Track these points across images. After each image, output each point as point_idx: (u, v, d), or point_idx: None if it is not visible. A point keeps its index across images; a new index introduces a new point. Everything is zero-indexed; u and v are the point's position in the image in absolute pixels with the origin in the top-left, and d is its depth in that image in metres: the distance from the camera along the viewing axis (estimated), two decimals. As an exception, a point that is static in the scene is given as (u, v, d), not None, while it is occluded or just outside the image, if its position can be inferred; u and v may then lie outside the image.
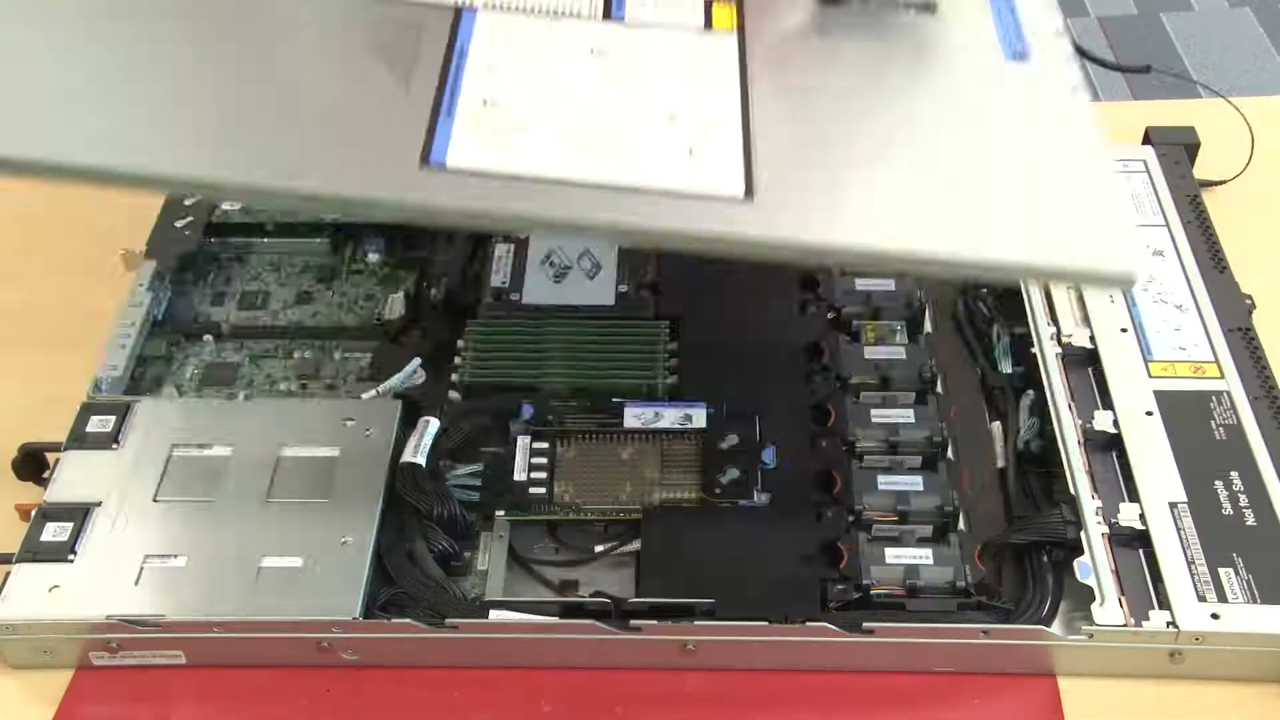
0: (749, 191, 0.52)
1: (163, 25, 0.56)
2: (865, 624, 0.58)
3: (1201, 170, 0.80)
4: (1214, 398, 0.66)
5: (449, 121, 0.54)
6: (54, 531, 0.62)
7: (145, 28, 0.56)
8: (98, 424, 0.67)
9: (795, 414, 0.68)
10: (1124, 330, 0.69)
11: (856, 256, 0.53)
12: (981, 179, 0.54)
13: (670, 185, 0.52)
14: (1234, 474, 0.63)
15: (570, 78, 0.57)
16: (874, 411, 0.67)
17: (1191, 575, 0.59)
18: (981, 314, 0.73)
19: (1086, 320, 0.70)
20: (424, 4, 0.59)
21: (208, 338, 0.75)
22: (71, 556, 0.61)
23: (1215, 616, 0.57)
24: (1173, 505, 0.61)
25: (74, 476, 0.64)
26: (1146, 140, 0.82)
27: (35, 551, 0.61)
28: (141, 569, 0.61)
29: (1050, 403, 0.66)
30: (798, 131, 0.56)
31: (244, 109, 0.54)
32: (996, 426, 0.68)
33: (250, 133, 0.53)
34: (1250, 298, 0.72)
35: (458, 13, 0.59)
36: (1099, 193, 0.54)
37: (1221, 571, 0.59)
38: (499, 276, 0.75)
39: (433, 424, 0.66)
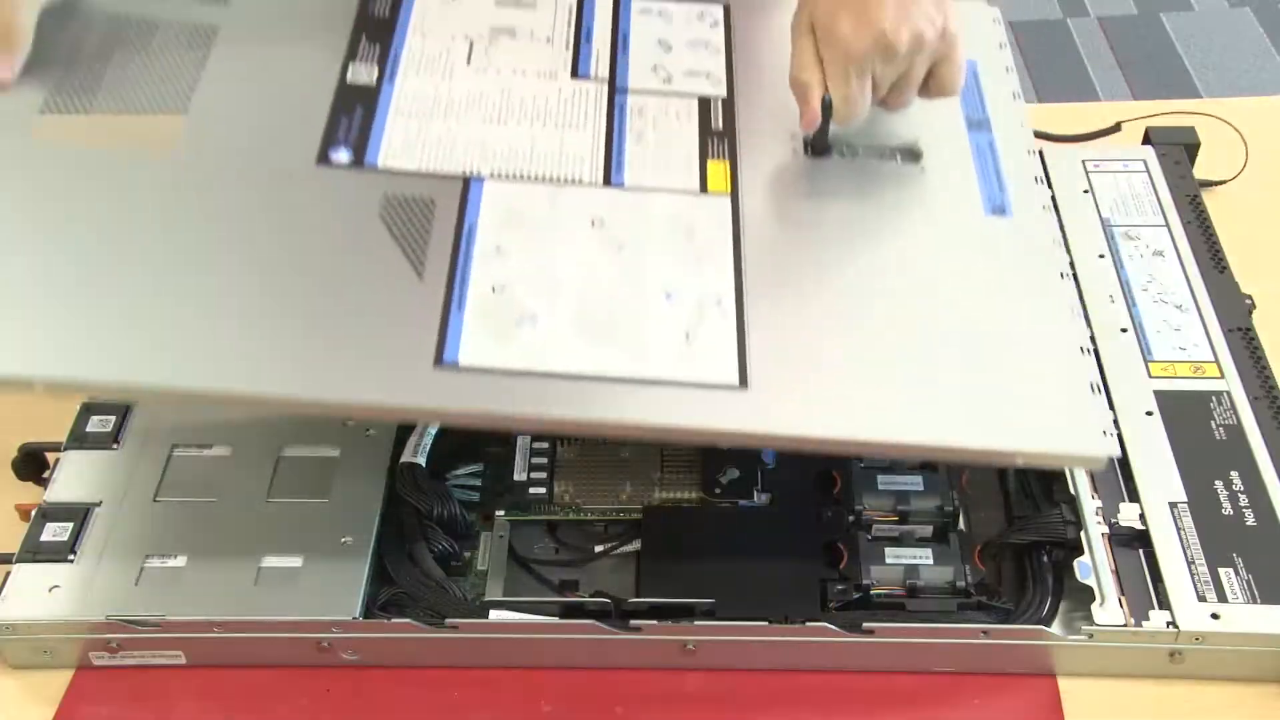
0: (743, 381, 0.55)
1: (169, 236, 0.57)
2: (865, 624, 0.58)
3: (1201, 170, 0.80)
4: (1214, 398, 0.66)
5: (460, 314, 0.55)
6: (54, 531, 0.62)
7: (152, 240, 0.57)
8: (98, 424, 0.67)
9: (795, 414, 0.68)
10: (1124, 330, 0.69)
11: (847, 447, 0.57)
12: (962, 367, 0.57)
13: (668, 375, 0.54)
14: (1234, 474, 0.63)
15: (573, 254, 0.58)
16: (874, 411, 0.67)
17: (1191, 575, 0.59)
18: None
19: (1086, 321, 0.70)
20: (435, 175, 0.60)
21: (208, 338, 0.75)
22: (71, 556, 0.61)
23: (1215, 616, 0.57)
24: (1173, 505, 0.61)
25: (74, 476, 0.64)
26: (1146, 140, 0.82)
27: (35, 551, 0.61)
28: (141, 569, 0.61)
29: (1050, 403, 0.66)
30: (787, 310, 0.58)
31: (263, 318, 0.55)
32: (996, 426, 0.68)
33: (268, 343, 0.54)
34: (1250, 298, 0.72)
35: (466, 183, 0.60)
36: (1069, 374, 0.57)
37: (1221, 571, 0.59)
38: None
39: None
